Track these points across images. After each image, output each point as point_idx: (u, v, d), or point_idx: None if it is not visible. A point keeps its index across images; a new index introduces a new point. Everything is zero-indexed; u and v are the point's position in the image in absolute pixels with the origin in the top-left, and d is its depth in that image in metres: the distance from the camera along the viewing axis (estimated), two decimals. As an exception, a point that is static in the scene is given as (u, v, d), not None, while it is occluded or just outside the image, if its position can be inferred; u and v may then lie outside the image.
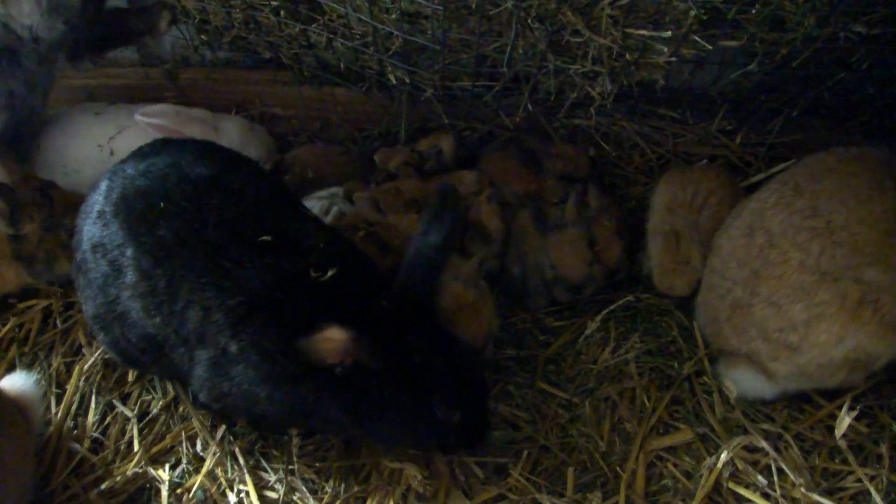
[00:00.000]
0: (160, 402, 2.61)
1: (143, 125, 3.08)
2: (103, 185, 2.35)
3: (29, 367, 2.74)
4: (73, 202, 2.69)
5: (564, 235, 2.88)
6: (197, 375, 2.21)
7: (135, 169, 2.32)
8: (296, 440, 2.41)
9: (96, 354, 2.73)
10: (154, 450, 2.49)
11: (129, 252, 2.19)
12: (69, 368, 2.74)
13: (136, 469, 2.43)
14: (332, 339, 1.95)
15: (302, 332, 1.96)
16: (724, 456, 2.35)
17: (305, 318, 2.01)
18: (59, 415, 2.59)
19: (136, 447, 2.49)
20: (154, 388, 2.66)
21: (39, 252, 2.78)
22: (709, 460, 2.38)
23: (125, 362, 2.53)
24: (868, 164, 2.45)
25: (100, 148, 3.13)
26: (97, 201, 2.33)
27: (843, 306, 2.27)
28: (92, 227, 2.30)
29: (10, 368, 2.74)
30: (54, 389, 2.66)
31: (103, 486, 2.38)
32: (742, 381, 2.52)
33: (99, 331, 2.39)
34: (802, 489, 2.29)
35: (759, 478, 2.34)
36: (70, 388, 2.65)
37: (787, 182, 2.50)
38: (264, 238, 2.18)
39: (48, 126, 3.23)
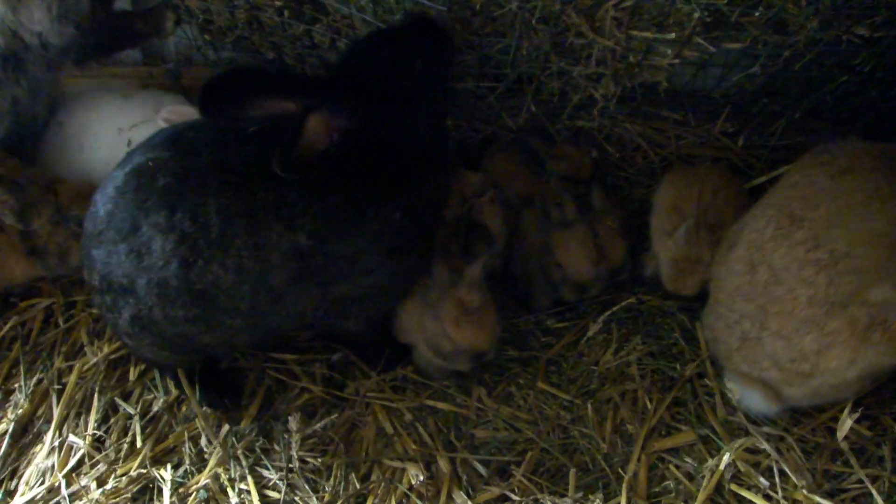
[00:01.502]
0: (161, 402, 2.60)
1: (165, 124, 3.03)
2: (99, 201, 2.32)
3: (31, 365, 2.75)
4: (81, 192, 2.70)
5: (570, 234, 2.88)
6: (303, 300, 2.30)
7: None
8: (296, 436, 2.41)
9: (99, 355, 2.73)
10: (157, 449, 2.49)
11: (142, 229, 2.15)
12: (71, 368, 2.74)
13: (139, 468, 2.43)
14: (313, 122, 2.03)
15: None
16: (726, 457, 2.35)
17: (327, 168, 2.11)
18: (59, 411, 2.58)
19: (138, 445, 2.49)
20: (156, 386, 2.66)
21: (50, 245, 2.78)
22: (710, 462, 2.38)
23: (179, 355, 2.49)
24: (862, 175, 2.38)
25: (119, 131, 3.11)
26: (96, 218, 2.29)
27: (853, 332, 2.23)
28: (100, 248, 2.25)
29: (13, 366, 2.75)
30: (56, 386, 2.66)
31: (106, 485, 2.38)
32: (752, 401, 2.50)
33: (140, 333, 2.32)
34: (804, 491, 2.28)
35: (761, 479, 2.33)
36: (70, 384, 2.65)
37: (782, 209, 2.42)
38: (252, 129, 2.17)
39: (73, 101, 3.21)
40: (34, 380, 2.70)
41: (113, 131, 3.11)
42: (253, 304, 2.25)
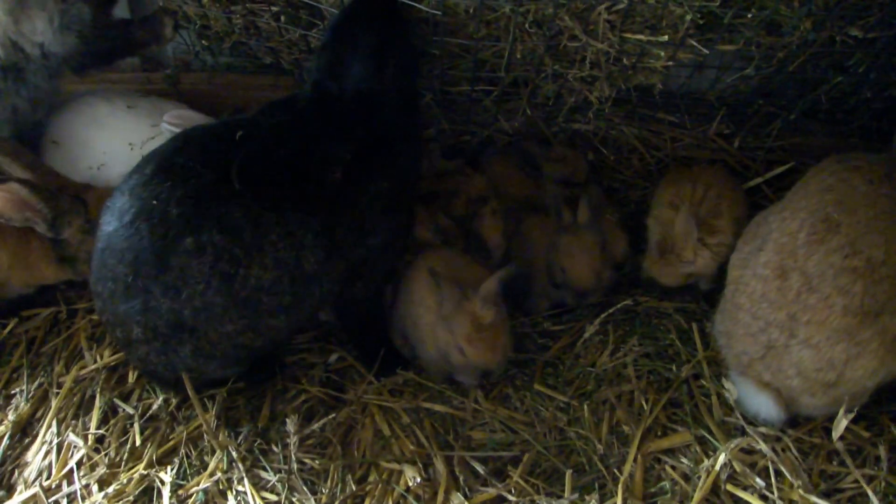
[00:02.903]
0: (159, 403, 2.60)
1: (168, 132, 2.99)
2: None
3: (33, 370, 2.76)
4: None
5: (578, 241, 2.89)
6: (331, 276, 2.42)
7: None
8: (294, 438, 2.42)
9: (99, 361, 2.74)
10: (158, 451, 2.48)
11: (171, 263, 2.20)
12: (69, 370, 2.75)
13: (139, 469, 2.42)
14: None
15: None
16: (722, 458, 2.35)
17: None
18: (55, 410, 2.60)
19: (137, 447, 2.49)
20: (153, 389, 2.67)
21: (81, 253, 2.76)
22: (706, 462, 2.38)
23: (240, 367, 2.54)
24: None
25: (130, 146, 3.08)
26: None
27: (882, 342, 2.22)
28: (132, 301, 2.28)
29: (15, 371, 2.77)
30: (55, 390, 2.67)
31: (107, 488, 2.38)
32: (762, 407, 2.47)
33: (206, 362, 2.40)
34: (800, 491, 2.28)
35: (757, 480, 2.33)
36: (67, 384, 2.66)
37: (816, 213, 2.33)
38: (239, 134, 2.32)
39: (69, 116, 3.18)
40: (35, 384, 2.71)
41: (124, 146, 3.09)
42: (294, 296, 2.34)
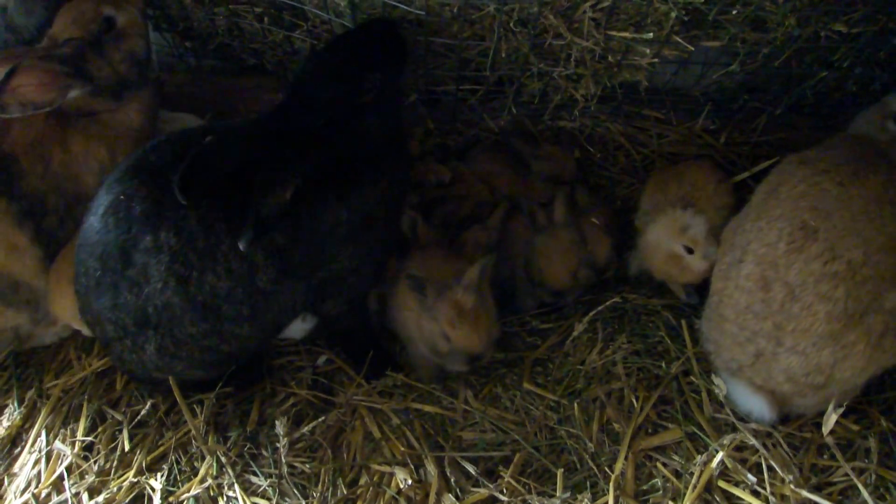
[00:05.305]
0: (148, 410, 2.59)
1: None
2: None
3: (23, 382, 2.76)
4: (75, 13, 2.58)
5: (554, 240, 2.89)
6: (291, 295, 2.42)
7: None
8: (284, 441, 2.41)
9: (88, 369, 2.74)
10: (148, 458, 2.48)
11: (135, 258, 2.20)
12: (59, 377, 2.74)
13: (129, 477, 2.42)
14: (271, 203, 2.16)
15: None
16: (718, 455, 2.34)
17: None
18: (42, 419, 2.59)
19: (127, 454, 2.49)
20: (142, 396, 2.65)
21: (117, 67, 2.62)
22: (700, 458, 2.37)
23: (210, 370, 2.53)
24: (869, 178, 2.32)
25: None
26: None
27: (868, 343, 2.22)
28: (103, 297, 2.28)
29: (6, 382, 2.76)
30: (44, 399, 2.67)
31: (96, 495, 2.37)
32: (756, 408, 2.48)
33: (172, 361, 2.38)
34: (791, 486, 2.29)
35: (749, 475, 2.34)
36: (56, 392, 2.66)
37: (793, 221, 2.32)
38: (208, 139, 2.25)
39: None
40: (25, 395, 2.70)
41: None
42: (253, 308, 2.33)
